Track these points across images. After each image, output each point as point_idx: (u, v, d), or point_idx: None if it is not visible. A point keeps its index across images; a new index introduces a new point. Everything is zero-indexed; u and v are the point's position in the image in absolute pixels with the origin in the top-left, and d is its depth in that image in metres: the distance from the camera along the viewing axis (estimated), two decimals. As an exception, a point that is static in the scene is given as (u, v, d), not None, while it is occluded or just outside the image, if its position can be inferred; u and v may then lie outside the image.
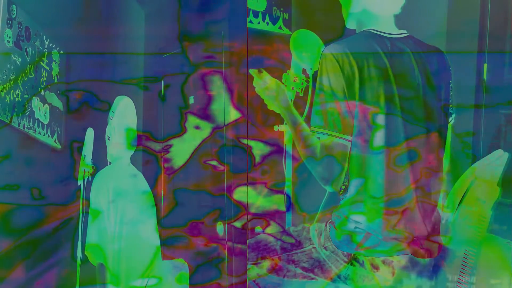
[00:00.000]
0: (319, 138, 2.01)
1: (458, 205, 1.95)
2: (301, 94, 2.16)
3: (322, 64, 1.98)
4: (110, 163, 2.59)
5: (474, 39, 2.03)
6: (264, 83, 2.10)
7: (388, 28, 2.04)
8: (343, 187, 2.03)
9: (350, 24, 2.09)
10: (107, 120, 2.58)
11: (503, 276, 1.91)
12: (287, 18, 2.29)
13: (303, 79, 2.18)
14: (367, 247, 1.99)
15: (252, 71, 2.12)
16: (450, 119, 2.07)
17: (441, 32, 2.07)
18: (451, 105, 2.06)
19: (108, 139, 2.57)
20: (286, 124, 2.19)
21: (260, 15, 2.23)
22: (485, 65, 2.02)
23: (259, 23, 2.24)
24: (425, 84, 1.99)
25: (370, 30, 2.04)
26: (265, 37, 2.25)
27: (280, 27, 2.28)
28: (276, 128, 2.22)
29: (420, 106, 1.99)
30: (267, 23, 2.25)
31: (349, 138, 1.97)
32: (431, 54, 2.03)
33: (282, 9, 2.28)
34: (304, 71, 2.18)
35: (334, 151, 1.98)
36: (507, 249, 1.91)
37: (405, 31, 2.04)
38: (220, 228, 2.41)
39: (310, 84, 2.17)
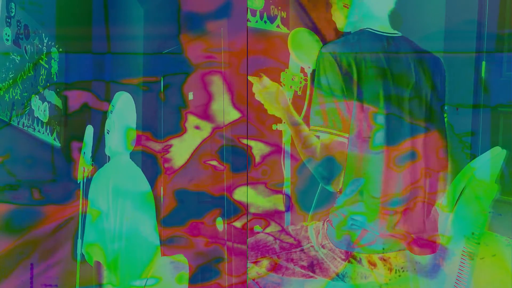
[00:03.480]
0: (318, 137, 2.01)
1: (456, 203, 1.95)
2: (299, 93, 2.16)
3: (320, 63, 1.99)
4: (109, 158, 2.60)
5: (472, 39, 2.03)
6: (263, 87, 2.11)
7: (384, 27, 2.05)
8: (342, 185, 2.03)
9: (348, 28, 2.08)
10: (107, 114, 2.58)
11: (502, 274, 1.90)
12: (285, 16, 2.29)
13: (301, 78, 2.18)
14: (363, 244, 1.99)
15: (252, 78, 2.13)
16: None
17: (439, 31, 2.07)
18: (446, 104, 2.07)
19: (108, 133, 2.58)
20: (285, 124, 2.20)
21: (257, 13, 2.24)
22: (483, 63, 2.01)
23: (256, 22, 2.24)
24: (423, 84, 1.99)
25: (367, 29, 2.04)
26: (263, 36, 2.26)
27: (278, 26, 2.28)
28: (274, 127, 2.21)
29: (419, 106, 1.99)
30: (265, 22, 2.25)
31: (347, 135, 1.97)
32: (426, 55, 2.04)
33: (280, 7, 2.28)
34: (302, 69, 2.18)
35: (334, 150, 1.98)
36: (505, 246, 1.91)
37: (398, 32, 2.05)
38: (219, 224, 2.41)
39: (309, 82, 2.17)
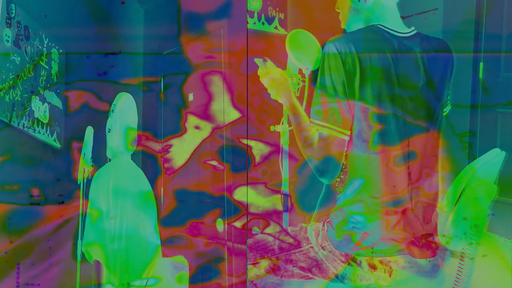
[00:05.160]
0: (318, 130, 2.00)
1: (456, 204, 1.94)
2: (297, 94, 2.16)
3: (324, 60, 1.96)
4: (109, 159, 2.60)
5: (470, 39, 2.03)
6: (268, 72, 2.11)
7: (396, 25, 2.02)
8: (338, 179, 2.03)
9: (355, 25, 2.06)
10: (109, 113, 2.59)
11: (501, 275, 1.90)
12: (282, 18, 2.29)
13: (299, 79, 2.18)
14: (364, 247, 1.99)
15: (257, 60, 2.12)
16: (445, 109, 2.06)
17: (437, 31, 2.06)
18: (448, 102, 2.06)
19: (109, 131, 2.58)
20: (283, 126, 2.20)
21: (255, 15, 2.24)
22: (481, 64, 2.01)
23: (254, 23, 2.24)
24: (428, 85, 1.98)
25: (378, 26, 2.02)
26: (261, 37, 2.26)
27: (276, 27, 2.28)
28: (272, 128, 2.22)
29: (421, 106, 1.98)
30: (263, 23, 2.26)
31: (348, 133, 1.96)
32: (438, 50, 2.01)
33: (277, 9, 2.28)
34: (300, 71, 2.18)
35: (332, 144, 1.97)
36: (504, 247, 1.91)
37: (413, 29, 2.02)
38: (220, 225, 2.42)
39: (307, 83, 2.17)
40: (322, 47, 2.02)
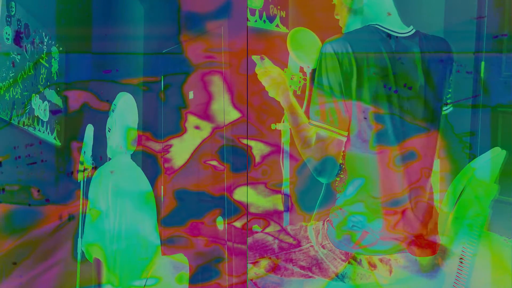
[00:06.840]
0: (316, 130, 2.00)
1: (456, 203, 1.94)
2: (298, 92, 2.16)
3: (321, 60, 1.96)
4: (110, 158, 2.60)
5: (471, 39, 2.03)
6: (265, 70, 2.10)
7: (395, 24, 2.02)
8: (338, 179, 2.03)
9: (352, 26, 2.06)
10: (109, 113, 2.59)
11: (501, 274, 1.90)
12: (284, 16, 2.29)
13: (300, 77, 2.18)
14: (364, 246, 1.98)
15: (255, 57, 2.12)
16: (444, 108, 2.05)
17: (438, 31, 2.06)
18: (448, 100, 2.06)
19: (109, 131, 2.58)
20: (284, 124, 2.20)
21: (257, 13, 2.24)
22: (482, 63, 2.01)
23: (256, 21, 2.24)
24: (426, 84, 1.98)
25: (376, 26, 2.01)
26: (262, 36, 2.26)
27: (277, 25, 2.28)
28: (273, 126, 2.21)
29: (420, 106, 1.98)
30: (264, 21, 2.26)
31: (345, 134, 1.96)
32: (437, 49, 2.01)
33: (279, 7, 2.28)
34: (301, 69, 2.18)
35: (330, 145, 1.97)
36: (505, 246, 1.90)
37: (412, 28, 2.01)
38: (220, 224, 2.42)
39: (308, 82, 2.17)
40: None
